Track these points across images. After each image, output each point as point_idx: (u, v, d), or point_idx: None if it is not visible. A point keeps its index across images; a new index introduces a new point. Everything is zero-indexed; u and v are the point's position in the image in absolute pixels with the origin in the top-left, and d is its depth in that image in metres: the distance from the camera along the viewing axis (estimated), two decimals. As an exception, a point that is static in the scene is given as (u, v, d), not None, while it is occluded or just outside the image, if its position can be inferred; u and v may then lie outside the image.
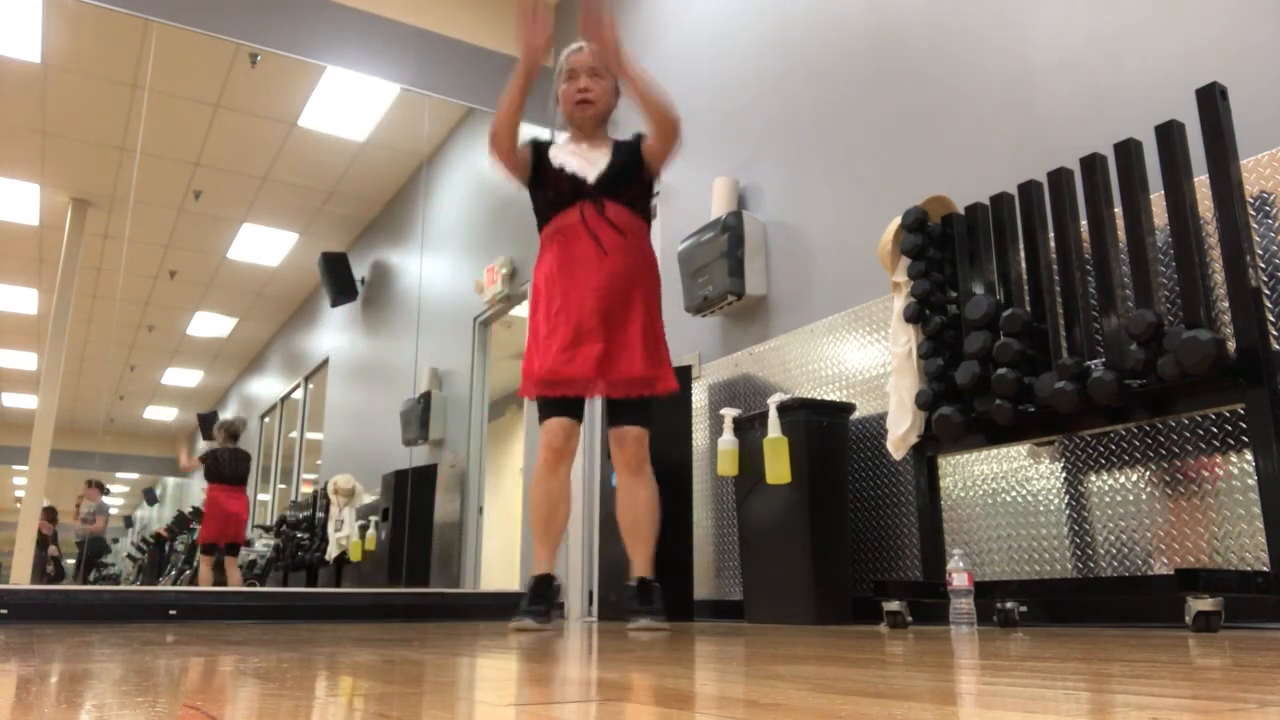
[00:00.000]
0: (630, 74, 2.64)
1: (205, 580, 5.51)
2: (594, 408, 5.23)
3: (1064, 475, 2.58)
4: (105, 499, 5.70)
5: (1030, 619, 2.61)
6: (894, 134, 3.37)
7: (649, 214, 2.89)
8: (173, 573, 5.79)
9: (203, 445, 6.17)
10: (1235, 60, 2.35)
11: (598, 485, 4.47)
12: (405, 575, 5.59)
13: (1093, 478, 2.51)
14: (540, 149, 2.88)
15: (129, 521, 6.30)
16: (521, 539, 5.63)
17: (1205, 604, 1.85)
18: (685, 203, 4.56)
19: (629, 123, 3.01)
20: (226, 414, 6.83)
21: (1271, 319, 2.15)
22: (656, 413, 3.98)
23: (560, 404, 2.70)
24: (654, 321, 2.79)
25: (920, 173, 3.24)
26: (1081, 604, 2.50)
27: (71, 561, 5.61)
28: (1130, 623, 2.38)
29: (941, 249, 2.79)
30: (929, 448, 2.76)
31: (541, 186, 2.84)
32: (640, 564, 2.76)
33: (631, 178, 2.82)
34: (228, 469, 5.73)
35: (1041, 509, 2.63)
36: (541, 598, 2.66)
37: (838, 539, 3.01)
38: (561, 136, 2.96)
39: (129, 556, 6.27)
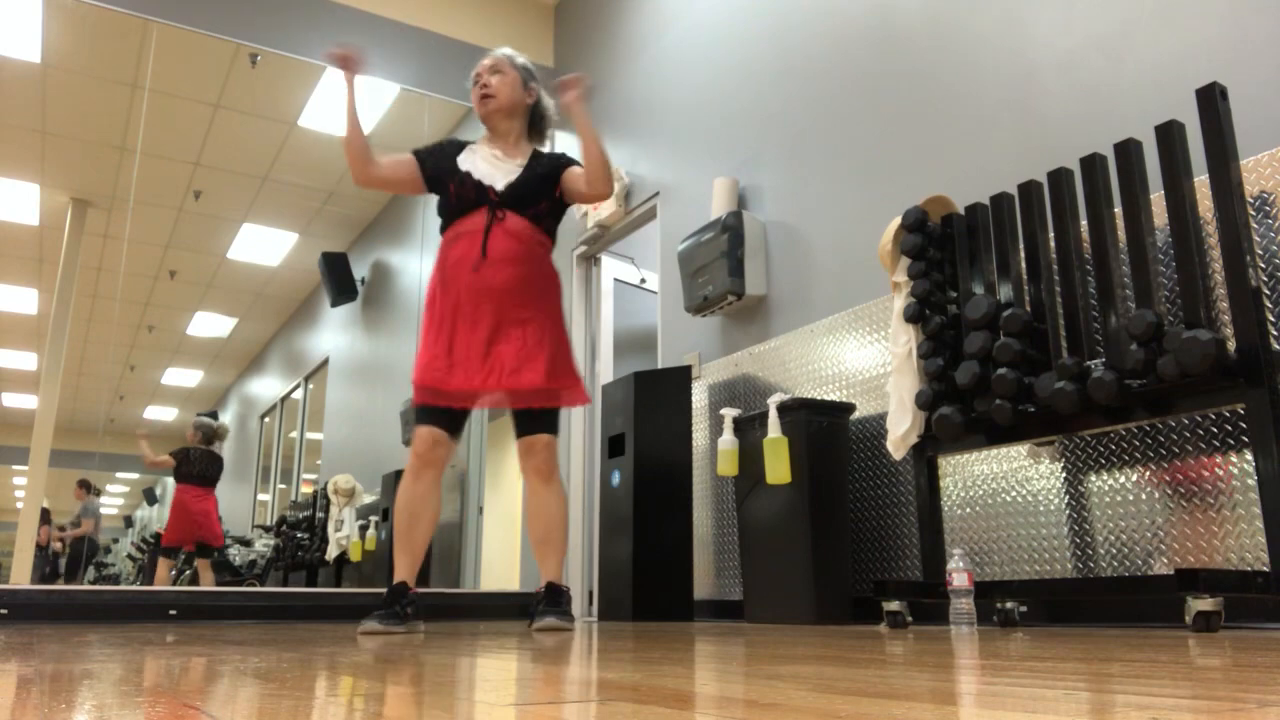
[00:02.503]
0: (583, 120, 2.68)
1: (161, 582, 5.43)
2: (589, 407, 5.23)
3: (1064, 475, 2.58)
4: (95, 499, 5.67)
5: (1030, 619, 2.61)
6: (894, 134, 3.37)
7: (553, 232, 2.86)
8: (173, 573, 5.79)
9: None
10: (1235, 60, 2.35)
11: (597, 485, 4.48)
12: (405, 575, 5.57)
13: (1093, 478, 2.51)
14: (446, 152, 2.85)
15: (129, 522, 6.30)
16: (521, 539, 5.63)
17: (1205, 604, 1.85)
18: (685, 203, 4.56)
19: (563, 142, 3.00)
20: (226, 414, 6.83)
21: (1271, 319, 2.15)
22: (659, 413, 4.00)
23: (433, 413, 2.68)
24: (558, 334, 2.77)
25: (920, 173, 3.24)
26: (1081, 604, 2.50)
27: (64, 561, 5.61)
28: (1130, 623, 2.38)
29: (941, 249, 2.79)
30: (929, 448, 2.76)
31: (444, 187, 2.80)
32: (550, 570, 2.74)
33: (540, 193, 2.79)
34: (198, 468, 5.61)
35: (1041, 509, 2.63)
36: (394, 602, 2.59)
37: (838, 539, 3.01)
38: (480, 137, 2.94)
39: (129, 556, 6.27)
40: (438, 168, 2.82)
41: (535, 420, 2.75)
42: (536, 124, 2.95)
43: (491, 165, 2.80)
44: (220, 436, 5.81)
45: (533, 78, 2.92)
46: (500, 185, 2.75)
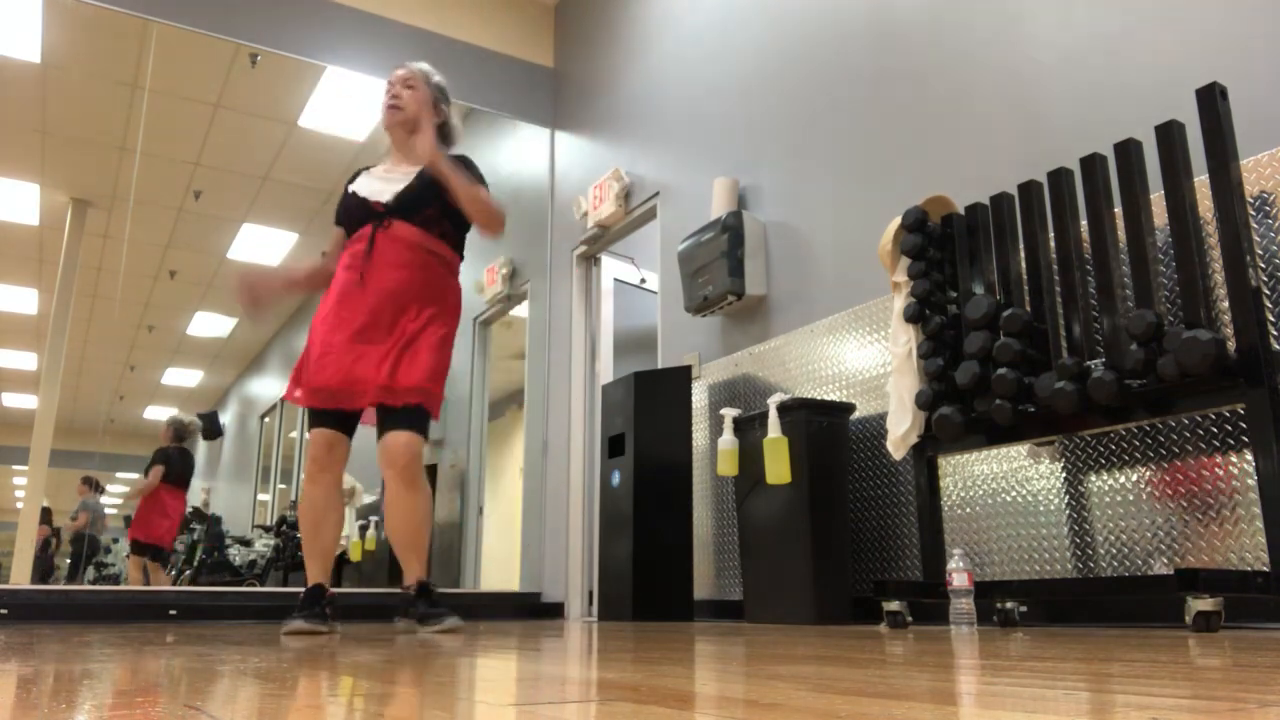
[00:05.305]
0: (451, 183, 2.75)
1: (134, 583, 5.38)
2: (589, 407, 5.22)
3: (1064, 475, 2.58)
4: (96, 496, 5.65)
5: (1030, 619, 2.61)
6: (894, 134, 3.37)
7: (455, 240, 2.88)
8: (173, 573, 5.78)
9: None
10: (1235, 60, 2.35)
11: (597, 485, 4.47)
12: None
13: (1093, 478, 2.51)
14: (346, 189, 2.93)
15: (129, 521, 6.29)
16: (521, 539, 5.63)
17: (1205, 604, 1.85)
18: (685, 203, 4.56)
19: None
20: (226, 414, 6.82)
21: (1271, 319, 2.15)
22: (659, 413, 4.00)
23: (323, 415, 2.72)
24: (445, 343, 2.77)
25: (920, 173, 3.24)
26: (1081, 604, 2.50)
27: (68, 561, 5.60)
28: (1130, 623, 2.38)
29: (941, 249, 2.79)
30: (929, 448, 2.76)
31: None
32: (416, 570, 2.70)
33: (427, 198, 2.81)
34: (177, 469, 5.56)
35: (1041, 509, 2.63)
36: (314, 604, 2.58)
37: (838, 539, 3.01)
38: (384, 152, 3.01)
39: (128, 556, 6.26)
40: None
41: (400, 418, 2.68)
42: (442, 139, 2.99)
43: (382, 181, 2.86)
44: (191, 432, 5.76)
45: (445, 100, 3.00)
46: (387, 198, 2.81)
